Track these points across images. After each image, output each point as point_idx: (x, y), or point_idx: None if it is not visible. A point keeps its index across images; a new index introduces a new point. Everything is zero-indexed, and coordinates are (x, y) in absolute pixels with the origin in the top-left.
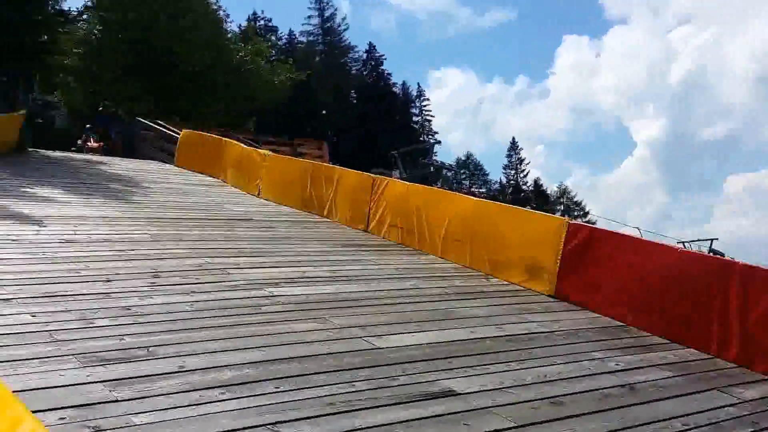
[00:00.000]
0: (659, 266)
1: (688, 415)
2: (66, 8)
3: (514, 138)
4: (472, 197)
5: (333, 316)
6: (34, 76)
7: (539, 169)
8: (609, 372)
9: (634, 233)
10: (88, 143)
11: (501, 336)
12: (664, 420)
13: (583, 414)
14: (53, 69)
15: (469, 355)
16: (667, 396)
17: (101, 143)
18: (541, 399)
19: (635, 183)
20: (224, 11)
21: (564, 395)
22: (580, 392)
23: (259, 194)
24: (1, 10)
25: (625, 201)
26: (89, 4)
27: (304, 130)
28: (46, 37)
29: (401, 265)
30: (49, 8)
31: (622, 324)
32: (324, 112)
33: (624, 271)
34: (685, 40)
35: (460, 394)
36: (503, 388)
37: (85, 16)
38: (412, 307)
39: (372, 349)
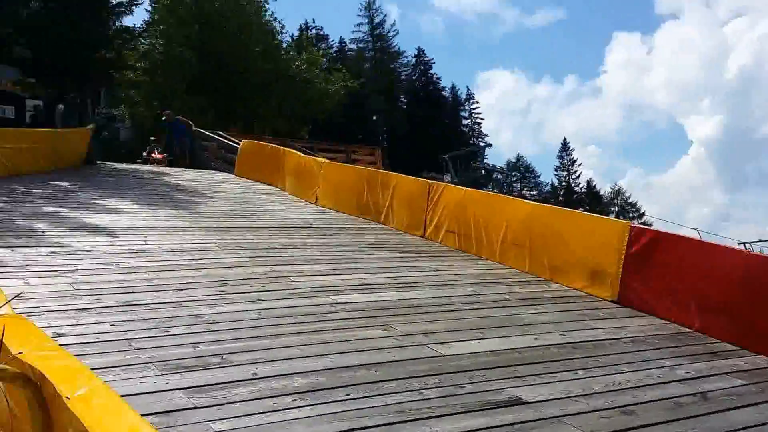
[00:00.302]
0: (725, 270)
1: (764, 424)
2: (131, 24)
3: (565, 139)
4: (530, 201)
5: (397, 323)
6: (100, 91)
7: (591, 170)
8: (679, 380)
9: (693, 235)
10: (153, 155)
11: (566, 343)
12: (740, 429)
13: (656, 423)
14: (119, 84)
15: (535, 363)
16: (741, 405)
17: (165, 155)
18: (612, 408)
19: (691, 182)
20: (280, 23)
21: (634, 404)
22: (650, 401)
23: (316, 202)
24: (72, 29)
25: (681, 201)
26: (150, 19)
27: (355, 137)
28: (113, 53)
29: (460, 271)
30: (115, 26)
31: (689, 330)
32: (374, 117)
33: (690, 276)
34: (740, 34)
35: (528, 402)
36: (572, 396)
37: (147, 32)
38: (473, 313)
39: (437, 356)
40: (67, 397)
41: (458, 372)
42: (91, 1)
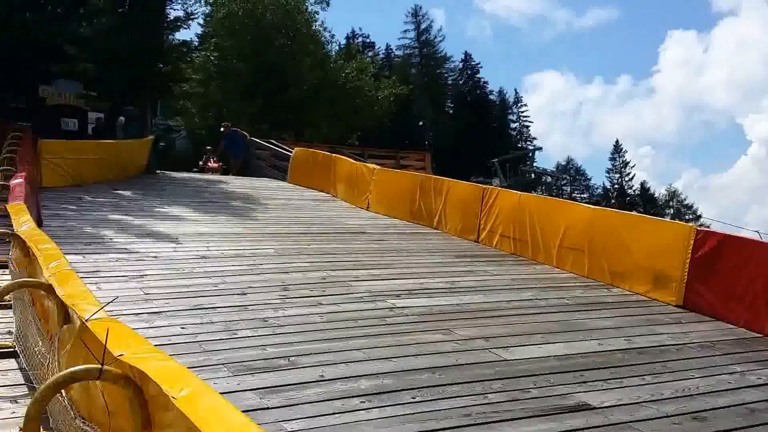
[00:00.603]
0: None
1: None
2: (188, 38)
3: (617, 140)
4: (589, 206)
5: (457, 328)
6: (157, 102)
7: (645, 172)
8: (751, 386)
9: (754, 237)
10: (209, 163)
11: (631, 348)
12: None
13: (730, 430)
14: (176, 95)
15: (600, 368)
16: None
17: (221, 164)
18: (682, 414)
19: (751, 183)
20: (330, 32)
21: (706, 410)
22: (723, 407)
23: (368, 207)
24: (132, 44)
25: (740, 203)
26: (204, 32)
27: (402, 142)
28: (170, 66)
29: (517, 275)
30: (173, 40)
31: (758, 335)
32: (421, 123)
33: (758, 280)
34: None
35: (596, 408)
36: (640, 402)
37: (202, 45)
38: (533, 318)
39: (500, 360)
40: (173, 397)
41: (522, 377)
42: (150, 16)
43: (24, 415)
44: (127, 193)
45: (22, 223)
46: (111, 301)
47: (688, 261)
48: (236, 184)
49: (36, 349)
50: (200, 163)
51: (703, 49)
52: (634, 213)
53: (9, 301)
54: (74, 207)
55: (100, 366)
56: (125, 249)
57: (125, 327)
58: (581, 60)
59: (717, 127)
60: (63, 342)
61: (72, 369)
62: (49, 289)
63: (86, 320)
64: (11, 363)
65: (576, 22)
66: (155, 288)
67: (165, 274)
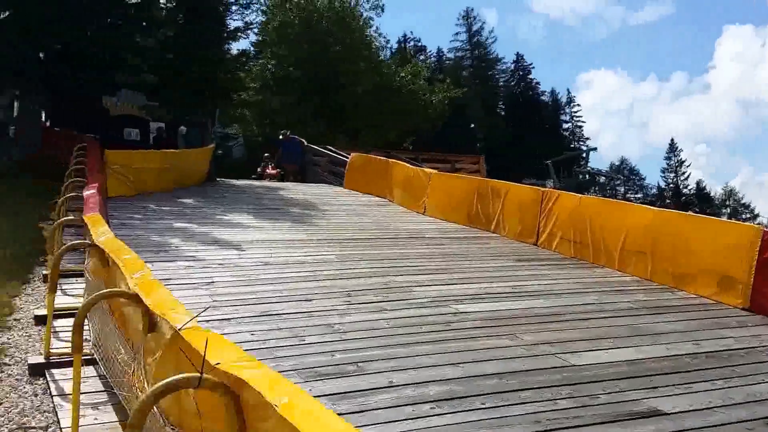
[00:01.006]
0: None
1: None
2: (245, 48)
3: (672, 139)
4: (652, 208)
5: (522, 333)
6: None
7: (701, 171)
8: None
9: None
10: (267, 170)
11: (699, 353)
12: None
13: None
14: (234, 104)
15: (669, 373)
16: None
17: (278, 170)
18: (755, 419)
19: None
20: (384, 37)
21: None
22: None
23: (424, 212)
24: (193, 55)
25: None
26: (259, 40)
27: (453, 145)
28: (230, 76)
29: (579, 279)
30: (232, 50)
31: None
32: (472, 125)
33: None
34: None
35: (668, 414)
36: (712, 407)
37: (259, 55)
38: (599, 322)
39: (568, 366)
40: (276, 405)
41: (591, 382)
42: (210, 27)
43: (106, 421)
44: (190, 201)
45: (101, 233)
46: (203, 311)
47: (754, 263)
48: (294, 190)
49: (119, 357)
50: (258, 169)
51: (760, 44)
52: (698, 215)
53: None
54: (140, 216)
55: (199, 374)
56: (192, 257)
57: (218, 335)
58: (635, 57)
59: None
60: (148, 350)
61: (173, 378)
62: (136, 299)
63: (179, 329)
64: (89, 370)
65: (631, 19)
66: (223, 295)
67: (231, 281)
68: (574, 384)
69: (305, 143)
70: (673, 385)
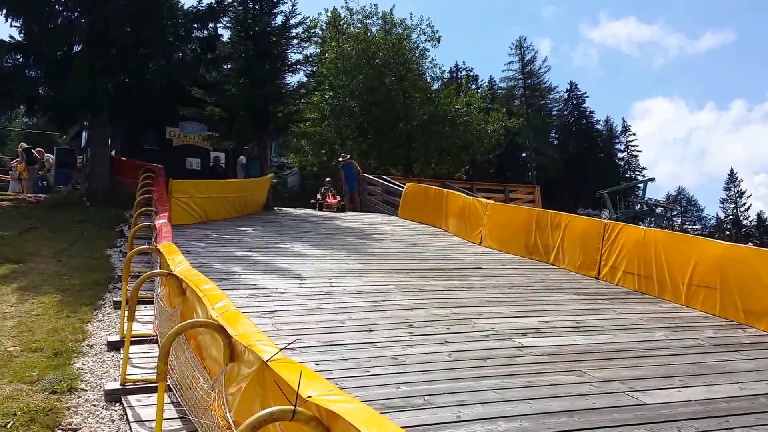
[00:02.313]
0: None
1: None
2: (304, 80)
3: (732, 169)
4: (721, 242)
5: (589, 369)
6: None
7: (761, 201)
8: None
9: None
10: (328, 199)
11: None
12: None
13: None
14: (293, 135)
15: (744, 414)
16: None
17: (338, 199)
18: None
19: None
20: (440, 68)
21: None
22: None
23: (481, 242)
24: (256, 87)
25: None
26: (316, 71)
27: (505, 175)
28: (291, 107)
29: (645, 314)
30: (290, 83)
31: None
32: (524, 154)
33: None
34: None
35: None
36: None
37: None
38: (668, 360)
39: (639, 404)
40: None
41: (665, 421)
42: (273, 61)
43: None
44: (250, 229)
45: (177, 263)
46: (291, 343)
47: None
48: (350, 219)
49: (197, 385)
50: (318, 196)
51: None
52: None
53: (154, 336)
54: (203, 244)
55: (293, 407)
56: (254, 285)
57: (307, 369)
58: (693, 85)
59: None
60: (230, 379)
61: (269, 410)
62: (219, 329)
63: (267, 361)
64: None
65: (689, 48)
66: (286, 324)
67: (294, 310)
68: (648, 423)
69: (360, 171)
70: (750, 426)
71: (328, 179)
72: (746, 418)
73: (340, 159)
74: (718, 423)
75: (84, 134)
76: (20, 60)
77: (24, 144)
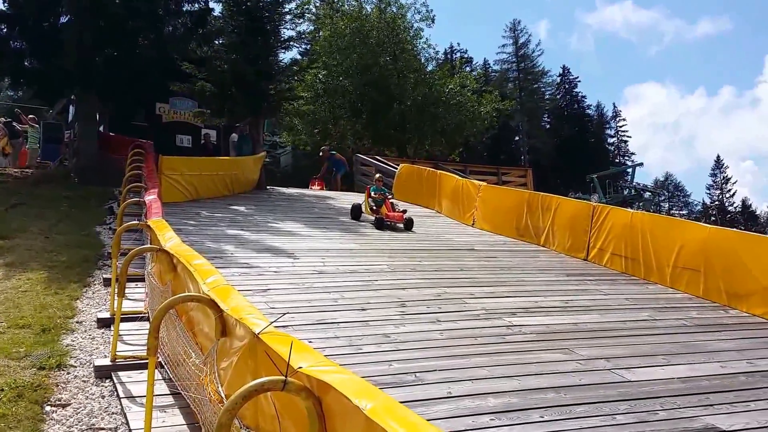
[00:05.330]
0: None
1: None
2: (295, 57)
3: (718, 155)
4: (706, 225)
5: (576, 347)
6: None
7: (747, 188)
8: None
9: None
10: (313, 187)
11: (755, 371)
12: None
13: None
14: (285, 113)
15: (725, 391)
16: None
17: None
18: None
19: None
20: (434, 49)
21: None
22: None
23: (473, 224)
24: (249, 64)
25: None
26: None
27: (498, 157)
28: (284, 85)
29: (630, 295)
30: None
31: None
32: (517, 138)
33: None
34: None
35: (725, 431)
36: None
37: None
38: (652, 339)
39: (623, 381)
40: (363, 409)
41: (648, 398)
42: (265, 37)
43: (174, 424)
44: (242, 208)
45: (168, 239)
46: (281, 316)
47: None
48: (343, 200)
49: (189, 360)
50: (369, 200)
51: None
52: (755, 233)
53: (145, 313)
54: (194, 222)
55: (283, 378)
56: (246, 263)
57: (298, 341)
58: (686, 71)
59: None
60: (222, 354)
61: (260, 380)
62: (211, 303)
63: (259, 333)
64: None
65: (687, 33)
66: (279, 302)
67: (286, 289)
68: (632, 400)
69: (345, 161)
70: (730, 403)
71: (378, 175)
72: (726, 395)
73: (321, 153)
74: (699, 400)
75: (71, 108)
76: (4, 30)
77: (2, 119)
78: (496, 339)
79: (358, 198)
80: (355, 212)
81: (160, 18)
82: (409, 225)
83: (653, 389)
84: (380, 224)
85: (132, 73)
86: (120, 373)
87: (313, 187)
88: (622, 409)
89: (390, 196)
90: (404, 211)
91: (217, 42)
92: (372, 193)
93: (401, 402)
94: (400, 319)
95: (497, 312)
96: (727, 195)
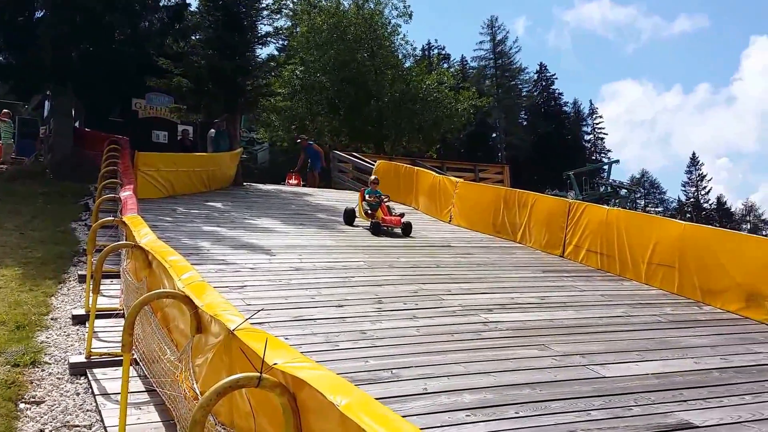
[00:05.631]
0: None
1: None
2: (273, 53)
3: (694, 153)
4: (681, 222)
5: (552, 343)
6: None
7: (722, 185)
8: None
9: None
10: (289, 181)
11: (728, 367)
12: None
13: None
14: (262, 109)
15: (699, 387)
16: None
17: (300, 181)
18: None
19: None
20: (411, 45)
21: None
22: None
23: (450, 221)
24: (225, 59)
25: None
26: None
27: (475, 154)
28: (261, 81)
29: (606, 291)
30: (260, 55)
31: None
32: (494, 135)
33: None
34: None
35: (698, 427)
36: (742, 422)
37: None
38: (627, 335)
39: (599, 377)
40: (338, 405)
41: (623, 394)
42: (242, 32)
43: (149, 421)
44: (218, 204)
45: (143, 235)
46: (256, 312)
47: None
48: (320, 196)
49: (164, 357)
50: (364, 203)
51: None
52: (728, 230)
53: (120, 310)
54: (170, 219)
55: (258, 374)
56: (223, 260)
57: (273, 337)
58: (663, 68)
59: None
60: (197, 350)
61: (235, 377)
62: (186, 300)
63: (234, 330)
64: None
65: (664, 30)
66: (256, 299)
67: (263, 286)
68: (606, 395)
69: (322, 152)
70: (703, 399)
71: (374, 177)
72: (700, 391)
73: (299, 141)
74: (672, 396)
75: (47, 104)
76: None
77: None
78: (473, 335)
79: (336, 194)
80: (349, 217)
81: (136, 13)
82: (407, 230)
83: (628, 385)
84: (377, 229)
85: (108, 68)
86: (95, 370)
87: (290, 182)
88: (597, 405)
89: (386, 199)
90: (402, 215)
91: (193, 37)
92: (366, 196)
93: (377, 398)
94: (377, 316)
95: (473, 308)
96: (703, 192)
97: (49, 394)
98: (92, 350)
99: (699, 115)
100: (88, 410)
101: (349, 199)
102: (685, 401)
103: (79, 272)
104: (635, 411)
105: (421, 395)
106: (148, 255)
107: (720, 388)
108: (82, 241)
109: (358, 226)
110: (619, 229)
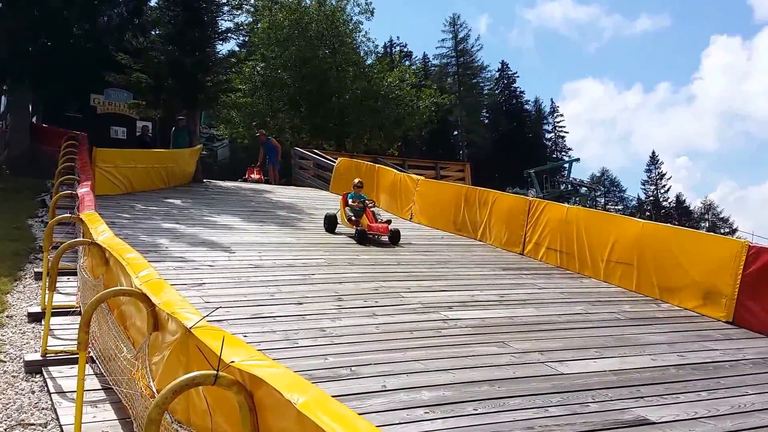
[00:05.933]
0: None
1: None
2: (233, 49)
3: (653, 152)
4: (639, 220)
5: (511, 341)
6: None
7: (681, 183)
8: None
9: None
10: (251, 175)
11: (685, 364)
12: None
13: None
14: (223, 105)
15: (655, 384)
16: None
17: (262, 175)
18: (741, 430)
19: None
20: (373, 42)
21: (763, 426)
22: None
23: (411, 218)
24: (184, 55)
25: None
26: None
27: (437, 152)
28: (221, 77)
29: (565, 289)
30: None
31: None
32: (456, 132)
33: None
34: None
35: (655, 423)
36: (698, 418)
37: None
38: (586, 332)
39: (556, 374)
40: (295, 403)
41: (580, 390)
42: (202, 28)
43: (105, 419)
44: (177, 201)
45: (100, 232)
46: (214, 310)
47: (739, 277)
48: (281, 193)
49: (121, 355)
50: (245, 176)
51: (746, 57)
52: (685, 228)
53: (77, 308)
54: (128, 216)
55: (215, 372)
56: (181, 257)
57: (231, 335)
58: (624, 67)
59: (759, 136)
60: (153, 348)
61: (191, 374)
62: (143, 297)
63: (191, 327)
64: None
65: (626, 29)
66: (215, 297)
67: (222, 283)
68: (564, 392)
69: (280, 147)
70: (660, 395)
71: (357, 180)
72: (657, 387)
73: (257, 134)
74: (630, 392)
75: (3, 99)
76: None
77: None
78: (432, 333)
79: (296, 191)
80: (330, 224)
81: (95, 7)
82: (395, 238)
83: (586, 382)
84: (362, 238)
85: (66, 63)
86: (51, 368)
87: (251, 176)
88: (555, 401)
89: (371, 204)
90: (389, 222)
91: (153, 33)
92: (349, 201)
93: (336, 396)
94: (337, 313)
95: (434, 306)
96: (662, 191)
97: (4, 392)
98: (48, 348)
99: (659, 114)
100: (43, 408)
101: (311, 196)
102: (642, 397)
103: (36, 269)
104: (593, 407)
105: (380, 392)
106: (105, 252)
107: (676, 385)
108: (38, 238)
109: (340, 234)
110: (579, 227)
